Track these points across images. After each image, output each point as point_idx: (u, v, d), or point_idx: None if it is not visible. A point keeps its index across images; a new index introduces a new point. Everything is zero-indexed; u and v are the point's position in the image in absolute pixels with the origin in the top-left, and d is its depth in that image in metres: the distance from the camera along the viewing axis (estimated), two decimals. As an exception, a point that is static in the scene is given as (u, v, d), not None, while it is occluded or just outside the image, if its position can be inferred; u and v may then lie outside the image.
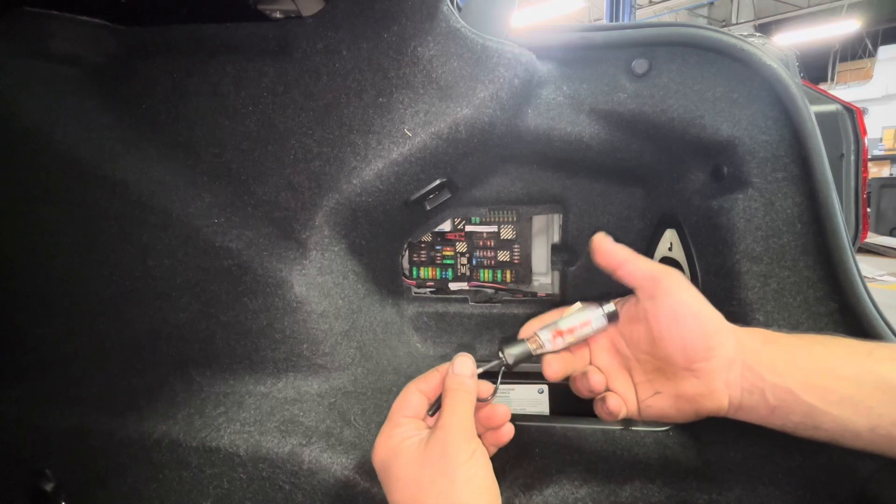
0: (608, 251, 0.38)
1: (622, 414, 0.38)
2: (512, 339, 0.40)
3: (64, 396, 0.60)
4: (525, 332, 0.40)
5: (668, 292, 0.35)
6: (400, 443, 0.32)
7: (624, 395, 0.38)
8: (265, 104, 0.53)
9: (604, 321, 0.39)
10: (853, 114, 1.53)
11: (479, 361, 0.37)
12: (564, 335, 0.38)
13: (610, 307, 0.39)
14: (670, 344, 0.35)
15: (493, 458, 0.47)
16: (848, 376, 0.31)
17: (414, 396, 0.35)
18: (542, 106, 0.54)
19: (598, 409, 0.39)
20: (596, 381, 0.38)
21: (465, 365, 0.35)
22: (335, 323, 0.56)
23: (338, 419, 0.52)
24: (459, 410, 0.32)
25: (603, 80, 0.52)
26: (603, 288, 0.52)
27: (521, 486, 0.43)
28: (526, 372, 0.67)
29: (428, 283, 0.76)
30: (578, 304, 0.40)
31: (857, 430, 0.31)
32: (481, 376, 0.36)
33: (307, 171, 0.53)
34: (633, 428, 0.51)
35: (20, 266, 0.61)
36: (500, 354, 0.38)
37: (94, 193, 0.55)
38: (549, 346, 0.38)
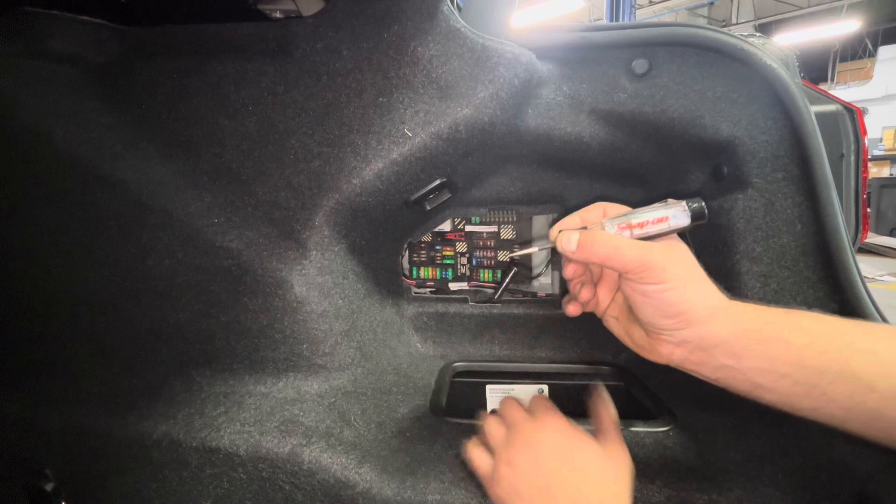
0: (599, 243, 0.33)
1: (580, 310, 0.41)
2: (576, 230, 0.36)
3: (64, 396, 0.60)
4: (563, 226, 0.37)
5: (655, 286, 0.32)
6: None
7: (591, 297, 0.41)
8: (265, 104, 0.53)
9: (685, 219, 0.33)
10: (853, 114, 1.53)
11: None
12: (633, 229, 0.34)
13: (696, 203, 0.32)
14: (639, 313, 0.35)
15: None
16: (815, 366, 0.30)
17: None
18: (542, 106, 0.54)
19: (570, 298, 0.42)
20: (584, 294, 0.40)
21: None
22: (335, 323, 0.56)
23: (338, 419, 0.52)
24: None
25: (603, 80, 0.52)
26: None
27: (521, 486, 0.43)
28: (526, 372, 0.68)
29: (428, 283, 0.76)
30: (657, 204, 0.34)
31: (798, 408, 0.31)
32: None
33: (307, 171, 0.53)
34: (633, 428, 0.51)
35: (20, 266, 0.61)
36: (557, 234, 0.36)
37: (94, 193, 0.55)
38: None
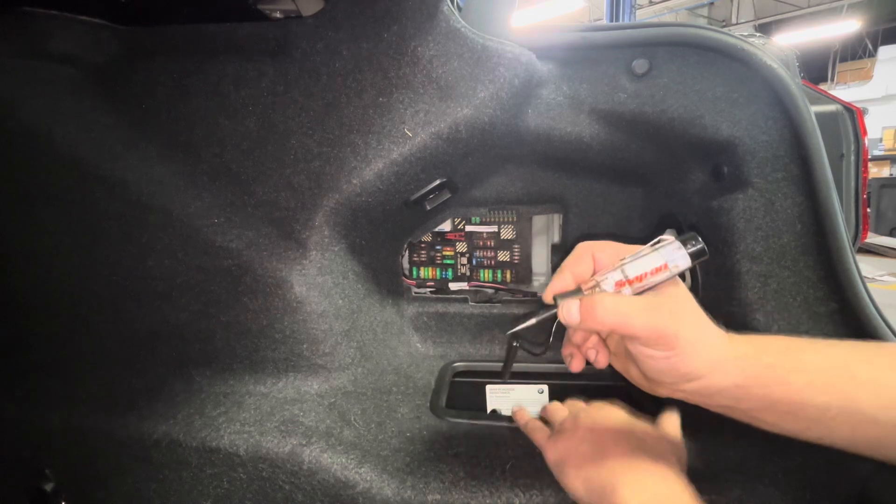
0: (603, 311, 0.30)
1: (584, 364, 0.38)
2: (572, 292, 0.33)
3: (64, 396, 0.60)
4: (556, 288, 0.34)
5: (664, 353, 0.31)
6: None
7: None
8: (265, 104, 0.53)
9: (685, 262, 0.30)
10: (853, 114, 1.53)
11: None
12: (633, 284, 0.31)
13: (694, 242, 0.30)
14: (642, 367, 0.33)
15: (494, 458, 0.47)
16: (818, 404, 0.30)
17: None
18: (542, 106, 0.54)
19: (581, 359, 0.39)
20: (601, 361, 0.38)
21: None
22: (335, 323, 0.56)
23: (338, 419, 0.52)
24: None
25: (603, 80, 0.52)
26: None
27: (521, 486, 0.43)
28: (526, 372, 0.67)
29: (428, 283, 0.76)
30: (646, 248, 0.32)
31: (800, 437, 0.31)
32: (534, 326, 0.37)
33: (307, 171, 0.53)
34: (633, 428, 0.51)
35: (20, 266, 0.61)
36: (555, 301, 0.33)
37: (94, 193, 0.55)
38: None
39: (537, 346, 0.40)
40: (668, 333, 0.30)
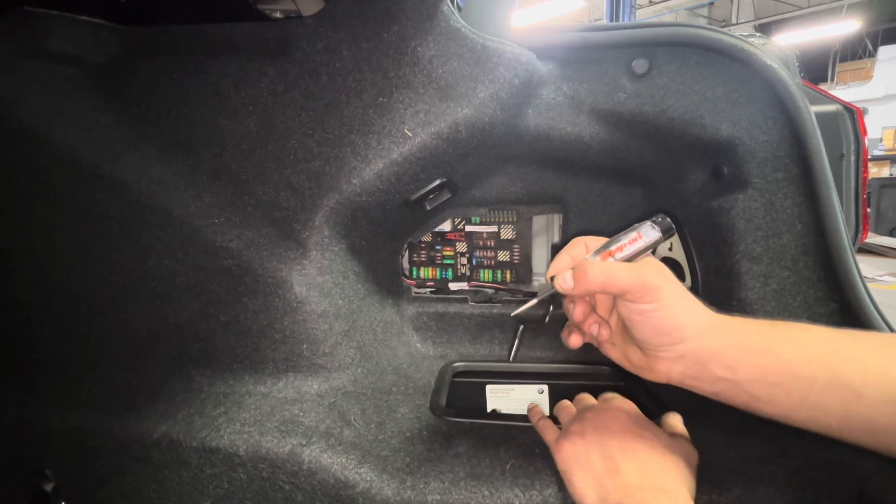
0: (593, 272, 0.34)
1: (582, 341, 0.41)
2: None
3: (64, 396, 0.60)
4: (557, 267, 0.38)
5: (652, 305, 0.34)
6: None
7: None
8: (265, 104, 0.53)
9: (655, 233, 0.36)
10: (853, 114, 1.53)
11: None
12: (614, 254, 0.36)
13: (662, 219, 0.36)
14: (635, 332, 0.36)
15: (494, 458, 0.47)
16: (804, 376, 0.30)
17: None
18: (542, 106, 0.54)
19: (580, 334, 0.41)
20: (604, 334, 0.40)
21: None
22: (335, 323, 0.56)
23: (338, 419, 0.52)
24: None
25: (603, 80, 0.52)
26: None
27: (521, 486, 0.43)
28: (526, 372, 0.67)
29: (428, 283, 0.76)
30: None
31: (795, 419, 0.32)
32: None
33: (307, 171, 0.53)
34: (633, 428, 0.51)
35: (20, 266, 0.61)
36: (550, 282, 0.38)
37: (94, 193, 0.55)
38: None
39: (538, 320, 0.46)
40: (652, 284, 0.33)
